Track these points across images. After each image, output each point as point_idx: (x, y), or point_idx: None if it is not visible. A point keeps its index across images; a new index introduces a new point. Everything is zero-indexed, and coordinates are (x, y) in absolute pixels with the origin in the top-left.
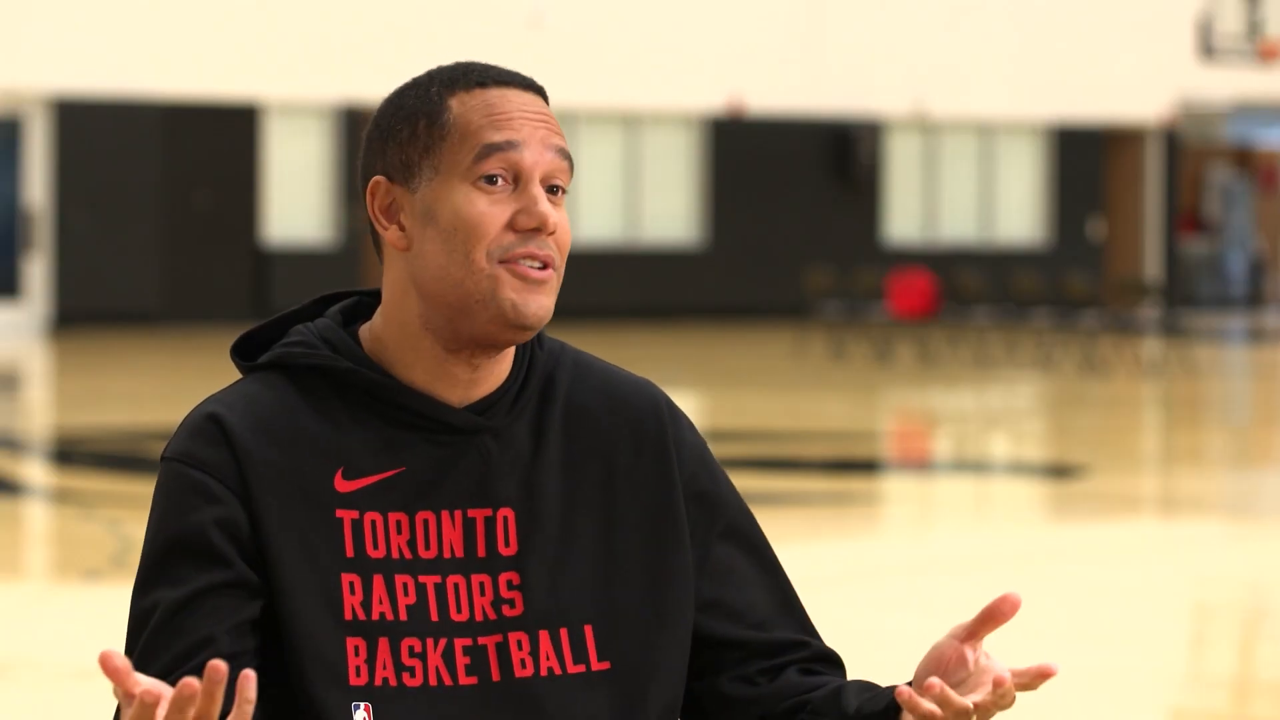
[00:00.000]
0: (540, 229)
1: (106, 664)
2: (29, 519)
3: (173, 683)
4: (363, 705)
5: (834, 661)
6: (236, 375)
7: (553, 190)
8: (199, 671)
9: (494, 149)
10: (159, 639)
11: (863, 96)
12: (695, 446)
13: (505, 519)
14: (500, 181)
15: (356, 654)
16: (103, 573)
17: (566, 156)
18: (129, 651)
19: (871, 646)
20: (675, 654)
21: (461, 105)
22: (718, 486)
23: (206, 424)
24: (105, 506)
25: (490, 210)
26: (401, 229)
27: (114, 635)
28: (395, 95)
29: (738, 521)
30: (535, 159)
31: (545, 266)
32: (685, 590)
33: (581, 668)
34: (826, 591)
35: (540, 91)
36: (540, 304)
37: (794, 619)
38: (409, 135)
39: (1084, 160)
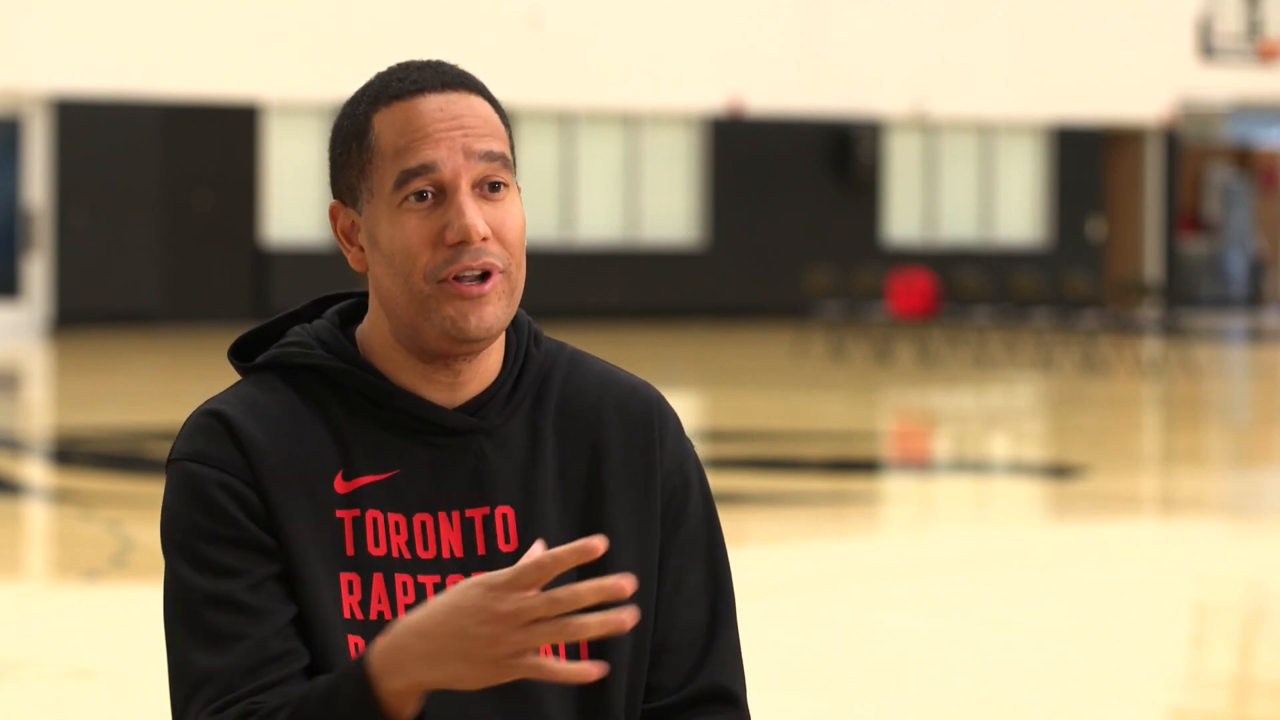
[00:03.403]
0: (466, 242)
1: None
2: (29, 519)
3: (238, 651)
4: None
5: (724, 700)
6: (236, 375)
7: (494, 188)
8: (266, 643)
9: (410, 175)
10: (218, 619)
11: (863, 96)
12: (678, 453)
13: (505, 516)
14: (428, 196)
15: (356, 650)
16: (103, 573)
17: (494, 156)
18: (178, 640)
19: (871, 646)
20: (648, 651)
21: (382, 123)
22: (688, 496)
23: (210, 421)
24: (105, 506)
25: (419, 230)
26: (361, 250)
27: (114, 635)
28: (340, 114)
29: (697, 535)
30: (455, 170)
31: (487, 275)
32: (654, 591)
33: None
34: (826, 591)
35: (467, 84)
36: (482, 315)
37: (713, 651)
38: (346, 159)
39: (1084, 160)
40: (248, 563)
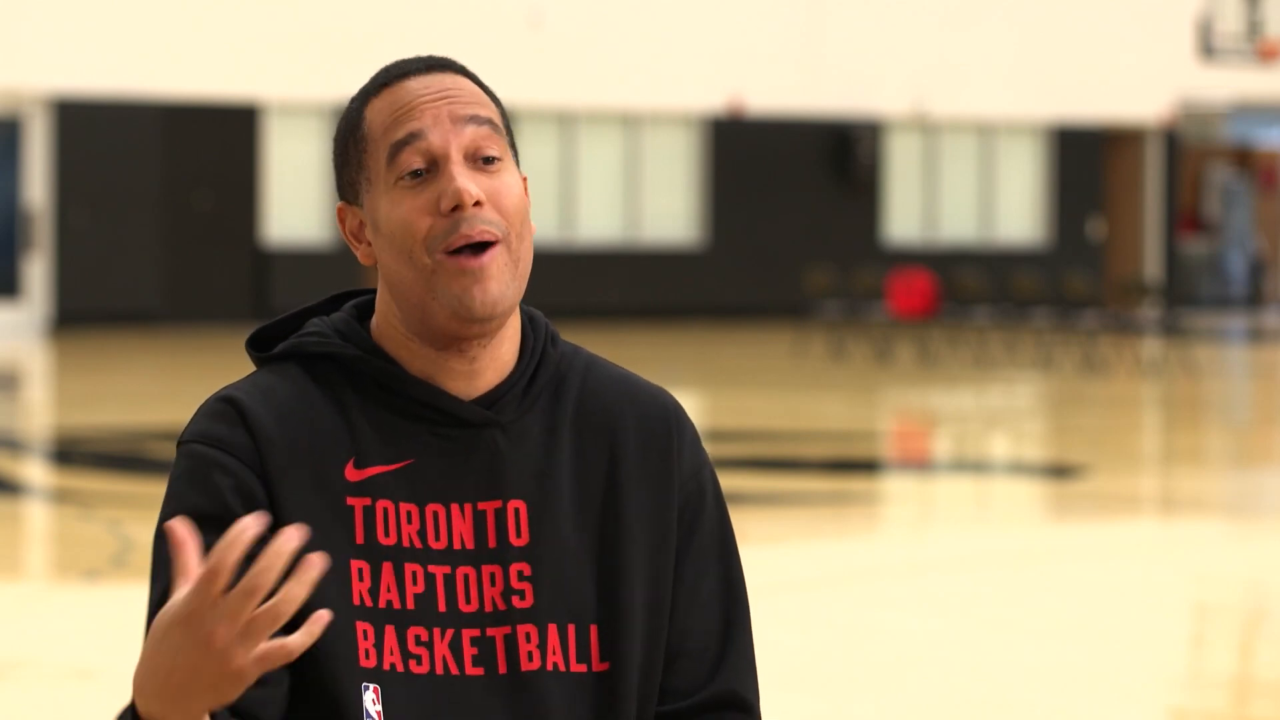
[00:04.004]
0: (459, 207)
1: (172, 534)
2: (29, 519)
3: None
4: (372, 687)
5: (738, 707)
6: (238, 374)
7: (488, 160)
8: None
9: (400, 146)
10: None
11: (863, 96)
12: (695, 461)
13: (517, 511)
14: (423, 173)
15: (365, 637)
16: (103, 573)
17: (484, 121)
18: (152, 617)
19: (871, 646)
20: (662, 654)
21: (372, 112)
22: (704, 504)
23: (222, 406)
24: (105, 506)
25: (416, 203)
26: (368, 244)
27: (114, 635)
28: (340, 117)
29: (712, 542)
30: (444, 138)
31: (487, 245)
32: (668, 596)
33: (583, 668)
34: (826, 591)
35: (449, 66)
36: (486, 289)
37: (728, 657)
38: (345, 157)
39: (1084, 160)
40: None
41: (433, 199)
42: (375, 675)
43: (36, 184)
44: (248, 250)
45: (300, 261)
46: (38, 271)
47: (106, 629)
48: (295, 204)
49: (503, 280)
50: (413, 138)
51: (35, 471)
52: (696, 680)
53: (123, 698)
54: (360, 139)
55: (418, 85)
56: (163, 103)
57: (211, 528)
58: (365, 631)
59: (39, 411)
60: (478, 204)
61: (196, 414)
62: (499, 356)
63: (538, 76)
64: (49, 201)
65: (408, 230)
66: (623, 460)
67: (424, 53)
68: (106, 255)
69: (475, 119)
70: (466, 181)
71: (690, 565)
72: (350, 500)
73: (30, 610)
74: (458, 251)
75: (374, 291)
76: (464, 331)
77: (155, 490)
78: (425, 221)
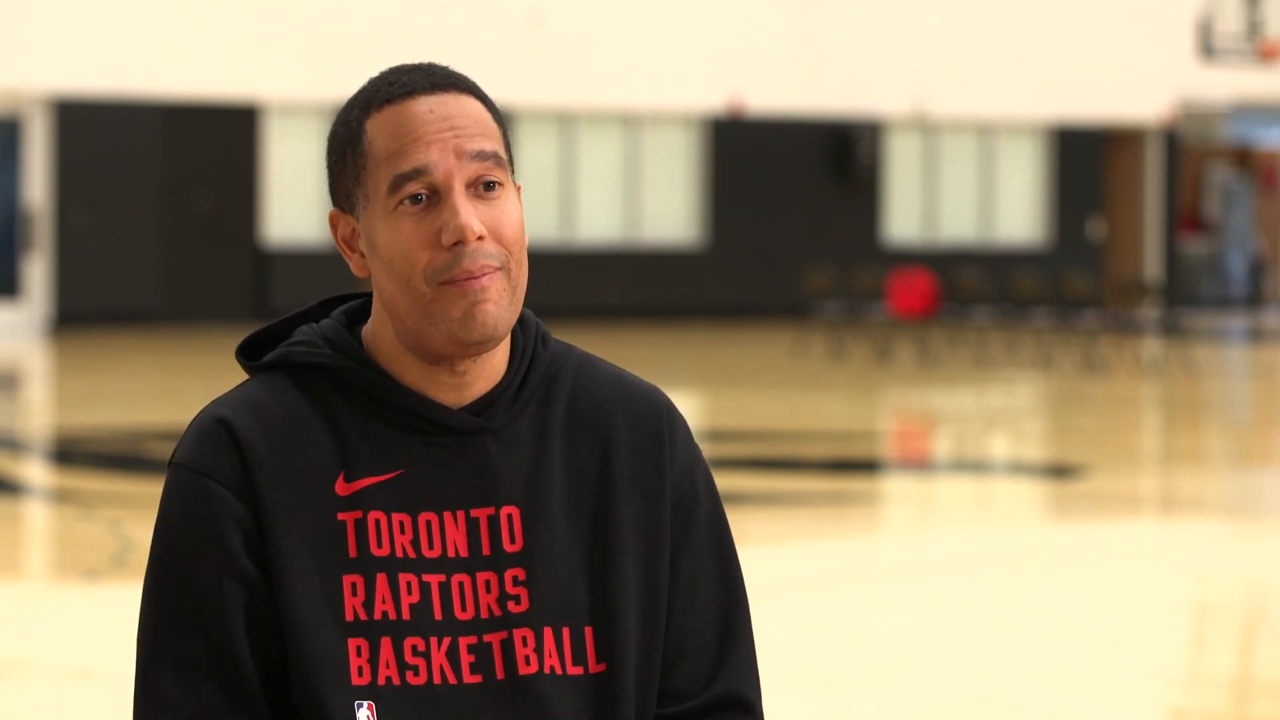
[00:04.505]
0: (462, 243)
1: None
2: (29, 519)
3: (200, 689)
4: (366, 704)
5: (740, 708)
6: (237, 376)
7: (488, 186)
8: (229, 683)
9: (403, 179)
10: (186, 644)
11: (863, 96)
12: (687, 459)
13: (510, 516)
14: (423, 199)
15: (359, 654)
16: (103, 573)
17: (486, 155)
18: (147, 652)
19: (871, 646)
20: (659, 655)
21: (374, 128)
22: (697, 502)
23: (214, 428)
24: (105, 506)
25: (415, 232)
26: (362, 256)
27: (114, 635)
28: (334, 122)
29: (708, 541)
30: (447, 172)
31: (485, 273)
32: (664, 596)
33: (580, 670)
34: (826, 591)
35: (458, 85)
36: (486, 314)
37: (728, 657)
38: (341, 167)
39: (1084, 160)
40: (221, 586)
41: (433, 230)
42: (369, 692)
43: (36, 184)
44: (248, 250)
45: (300, 262)
46: (38, 271)
47: (106, 629)
48: (295, 204)
49: (501, 304)
50: (416, 172)
51: (35, 471)
52: (697, 681)
53: (123, 698)
54: (360, 154)
55: (423, 110)
56: (163, 103)
57: (212, 568)
58: (359, 648)
59: (39, 411)
60: (479, 238)
61: (189, 431)
62: (489, 367)
63: (538, 76)
64: (49, 201)
65: (407, 259)
66: (615, 459)
67: (424, 54)
68: (106, 255)
69: (481, 154)
70: (470, 216)
71: (686, 564)
72: (341, 515)
73: (30, 610)
74: (454, 280)
75: (365, 295)
76: (460, 353)
77: (155, 490)
78: (426, 254)
